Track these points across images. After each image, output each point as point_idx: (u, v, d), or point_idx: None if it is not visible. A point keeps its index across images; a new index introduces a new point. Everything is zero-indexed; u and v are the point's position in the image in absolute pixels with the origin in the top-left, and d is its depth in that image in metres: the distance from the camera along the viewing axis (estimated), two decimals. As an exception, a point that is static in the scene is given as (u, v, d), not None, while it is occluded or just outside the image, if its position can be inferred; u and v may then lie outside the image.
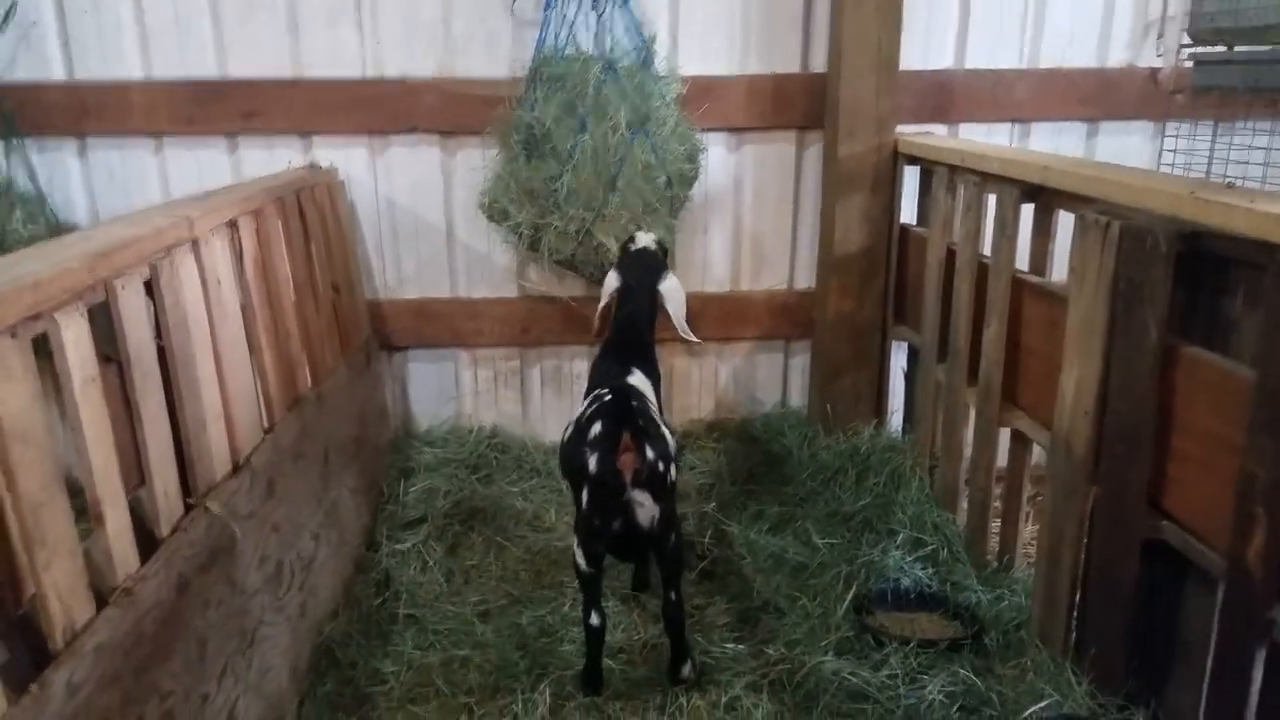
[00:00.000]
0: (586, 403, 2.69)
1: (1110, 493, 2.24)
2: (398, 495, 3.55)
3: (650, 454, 2.42)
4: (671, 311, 3.02)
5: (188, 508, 2.01)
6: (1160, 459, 2.11)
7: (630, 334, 2.96)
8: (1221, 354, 1.97)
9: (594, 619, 2.56)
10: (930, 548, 2.99)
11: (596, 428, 2.47)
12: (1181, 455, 2.06)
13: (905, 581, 2.87)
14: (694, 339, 3.10)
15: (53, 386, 1.60)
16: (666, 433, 2.59)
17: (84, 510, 1.64)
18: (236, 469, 2.27)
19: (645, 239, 3.17)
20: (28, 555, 1.48)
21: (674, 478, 2.56)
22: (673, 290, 3.03)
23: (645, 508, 2.46)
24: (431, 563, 3.13)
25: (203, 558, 1.99)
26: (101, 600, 1.65)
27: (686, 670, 2.62)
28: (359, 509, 3.25)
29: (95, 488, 1.67)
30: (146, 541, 1.84)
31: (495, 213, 3.58)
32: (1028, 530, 3.14)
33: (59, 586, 1.52)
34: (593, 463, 2.43)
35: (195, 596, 1.94)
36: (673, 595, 2.57)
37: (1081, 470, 2.31)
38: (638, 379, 2.80)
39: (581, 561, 2.55)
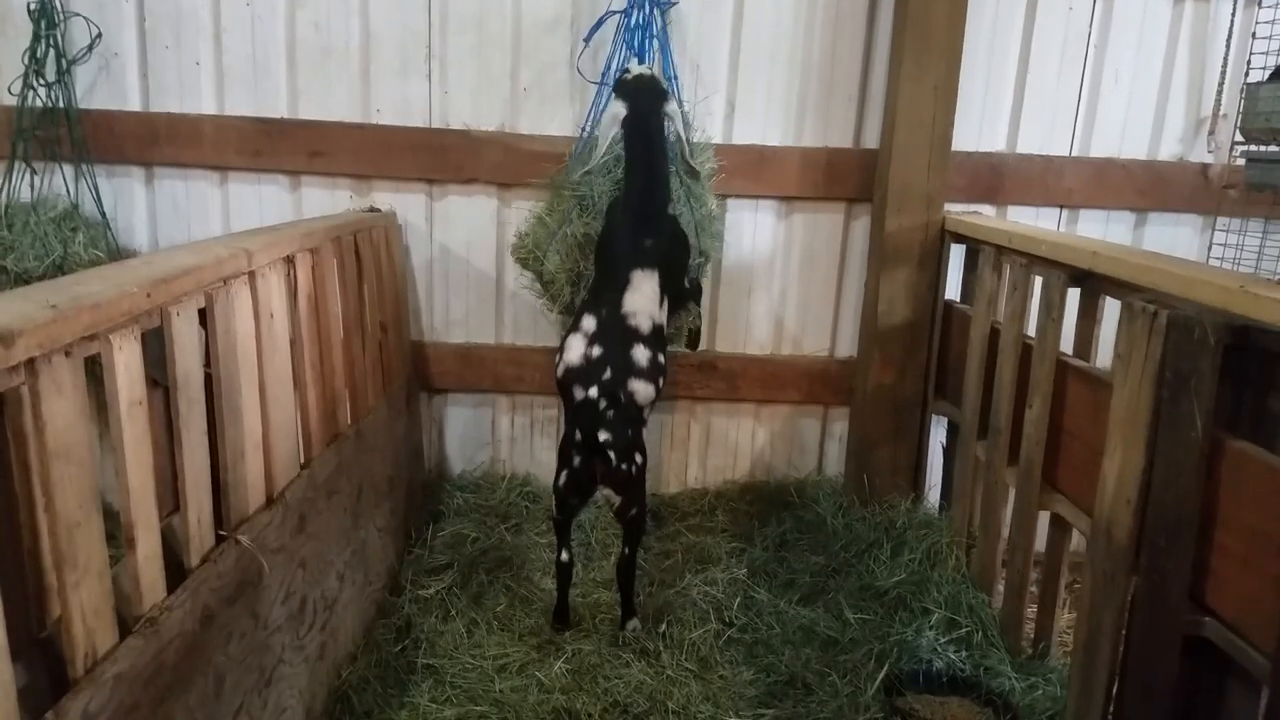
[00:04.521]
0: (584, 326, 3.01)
1: (1151, 585, 2.16)
2: (425, 539, 3.56)
3: (614, 460, 2.80)
4: (679, 132, 3.27)
5: (219, 538, 2.02)
6: (1203, 553, 2.04)
7: (648, 177, 3.15)
8: (1268, 450, 1.91)
9: (563, 556, 3.05)
10: (964, 630, 2.91)
11: (576, 436, 2.87)
12: (1225, 551, 1.99)
13: (938, 664, 2.78)
14: (698, 169, 3.38)
15: (95, 406, 1.61)
16: (641, 389, 2.90)
17: (113, 535, 1.64)
18: (270, 501, 2.29)
19: (640, 69, 3.32)
20: (57, 575, 1.48)
21: (639, 466, 2.92)
22: (676, 112, 3.28)
23: (610, 497, 2.95)
24: (454, 612, 3.11)
25: (229, 590, 1.99)
26: (125, 627, 1.65)
27: (631, 625, 3.04)
28: (386, 550, 3.26)
29: (130, 511, 1.68)
30: (175, 569, 1.85)
31: (526, 255, 3.58)
32: (1065, 618, 3.04)
33: (85, 610, 1.52)
34: (563, 477, 2.95)
35: (219, 630, 1.94)
36: (626, 551, 3.01)
37: (1122, 560, 2.24)
38: (636, 294, 3.01)
39: (554, 508, 3.06)
